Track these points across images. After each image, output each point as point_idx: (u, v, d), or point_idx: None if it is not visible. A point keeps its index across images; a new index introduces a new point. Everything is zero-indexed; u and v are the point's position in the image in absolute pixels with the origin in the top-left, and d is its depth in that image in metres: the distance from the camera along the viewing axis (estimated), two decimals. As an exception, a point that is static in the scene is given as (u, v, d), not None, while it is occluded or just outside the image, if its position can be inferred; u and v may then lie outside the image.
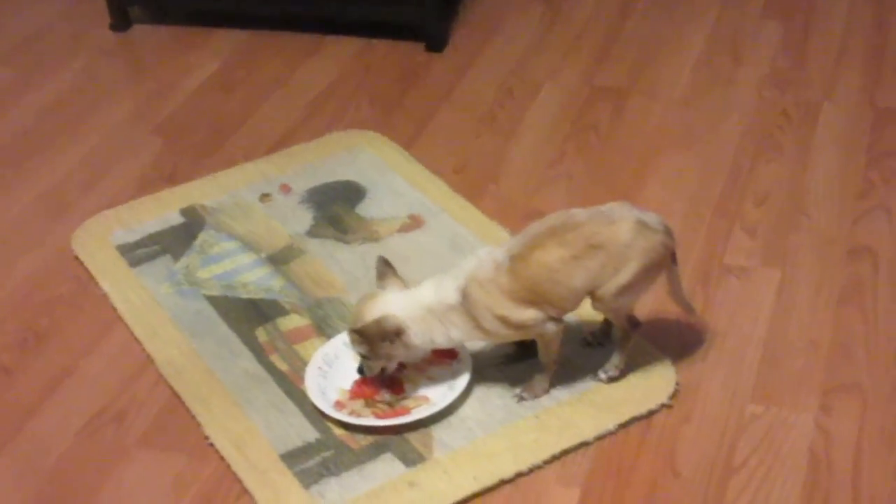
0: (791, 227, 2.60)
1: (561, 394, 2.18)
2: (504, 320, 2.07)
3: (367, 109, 3.14)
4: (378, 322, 2.08)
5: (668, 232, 2.12)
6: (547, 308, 2.08)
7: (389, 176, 2.83)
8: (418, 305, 2.10)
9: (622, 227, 2.07)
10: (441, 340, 2.12)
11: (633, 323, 2.19)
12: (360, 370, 2.18)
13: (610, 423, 2.12)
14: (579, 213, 2.10)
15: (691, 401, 2.17)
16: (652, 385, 2.19)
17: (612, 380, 2.19)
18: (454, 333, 2.11)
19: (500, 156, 2.91)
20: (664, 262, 2.12)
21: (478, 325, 2.09)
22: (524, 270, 2.06)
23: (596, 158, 2.87)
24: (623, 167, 2.83)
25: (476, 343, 2.19)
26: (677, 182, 2.76)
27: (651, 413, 2.15)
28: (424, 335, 2.10)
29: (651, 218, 2.11)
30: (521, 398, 2.17)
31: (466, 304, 2.07)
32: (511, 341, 2.21)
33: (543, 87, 3.18)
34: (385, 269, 2.17)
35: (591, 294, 2.10)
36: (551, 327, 2.10)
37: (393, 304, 2.10)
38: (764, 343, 2.29)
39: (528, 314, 2.07)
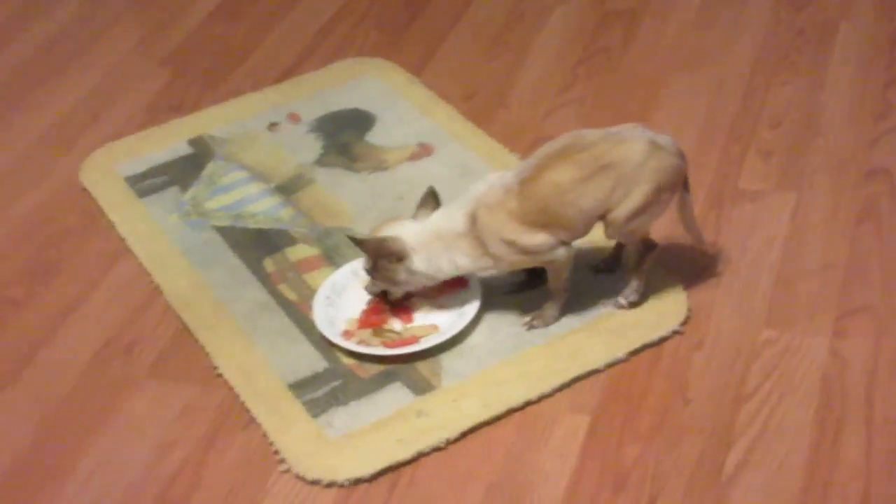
0: (807, 149, 2.55)
1: (571, 321, 2.16)
2: (512, 245, 2.05)
3: (376, 36, 3.10)
4: (381, 240, 2.08)
5: (681, 154, 2.09)
6: (557, 232, 2.05)
7: (399, 103, 2.80)
8: (426, 232, 2.09)
9: (634, 147, 2.03)
10: (448, 269, 2.10)
11: (649, 245, 2.15)
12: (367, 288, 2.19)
13: (621, 351, 2.10)
14: (590, 134, 2.07)
15: (703, 327, 2.15)
16: (663, 311, 2.17)
17: (632, 305, 2.17)
18: (462, 261, 2.09)
19: (510, 81, 2.87)
20: (676, 184, 2.09)
21: (486, 252, 2.07)
22: (534, 192, 2.03)
23: (608, 83, 2.83)
24: (635, 91, 2.79)
25: (486, 271, 2.16)
26: (690, 105, 2.71)
27: (662, 340, 2.12)
28: (430, 262, 2.09)
29: (664, 139, 2.07)
30: (532, 326, 2.15)
31: (475, 229, 2.05)
32: (521, 269, 2.19)
33: (554, 11, 3.13)
34: (427, 199, 2.16)
35: (604, 218, 2.08)
36: (561, 253, 2.08)
37: (404, 230, 2.10)
38: (778, 267, 2.26)
39: (538, 238, 2.05)
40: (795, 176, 2.48)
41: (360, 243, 2.10)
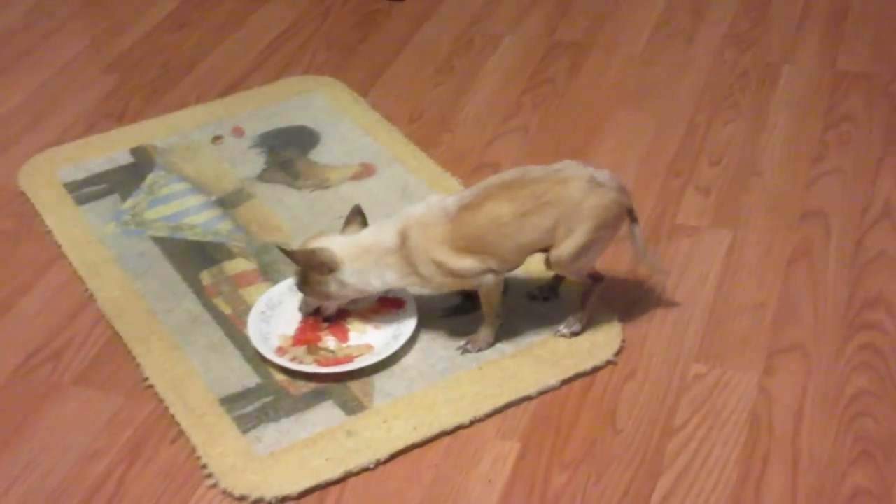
0: (745, 188, 2.58)
1: (505, 346, 2.16)
2: (441, 266, 2.06)
3: (325, 54, 3.10)
4: (311, 251, 2.09)
5: (621, 189, 2.10)
6: (488, 260, 2.06)
7: (344, 122, 2.80)
8: (356, 245, 2.09)
9: (574, 185, 2.05)
10: (377, 283, 2.11)
11: (595, 278, 2.17)
12: (300, 307, 2.19)
13: (553, 378, 2.10)
14: (534, 170, 2.08)
15: (636, 358, 2.16)
16: (597, 341, 2.18)
17: (574, 335, 2.17)
18: (389, 276, 2.10)
19: (456, 106, 2.88)
20: (618, 219, 2.11)
21: (414, 271, 2.08)
22: (472, 220, 2.04)
23: (552, 113, 2.85)
24: (579, 122, 2.81)
25: (421, 291, 2.17)
26: (633, 139, 2.74)
27: (595, 369, 2.13)
28: (360, 276, 2.09)
29: (603, 175, 2.09)
30: (465, 350, 2.16)
31: (404, 247, 2.06)
32: (452, 291, 2.20)
33: (503, 39, 3.15)
34: (354, 216, 2.17)
35: (547, 256, 2.09)
36: (490, 279, 2.09)
37: (333, 242, 2.11)
38: (712, 303, 2.28)
39: (467, 263, 2.06)
40: (732, 214, 2.50)
41: (290, 254, 2.10)
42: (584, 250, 2.07)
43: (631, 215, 2.13)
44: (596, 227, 2.06)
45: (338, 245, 2.10)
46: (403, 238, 2.06)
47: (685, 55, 3.07)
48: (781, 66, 3.01)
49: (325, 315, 2.19)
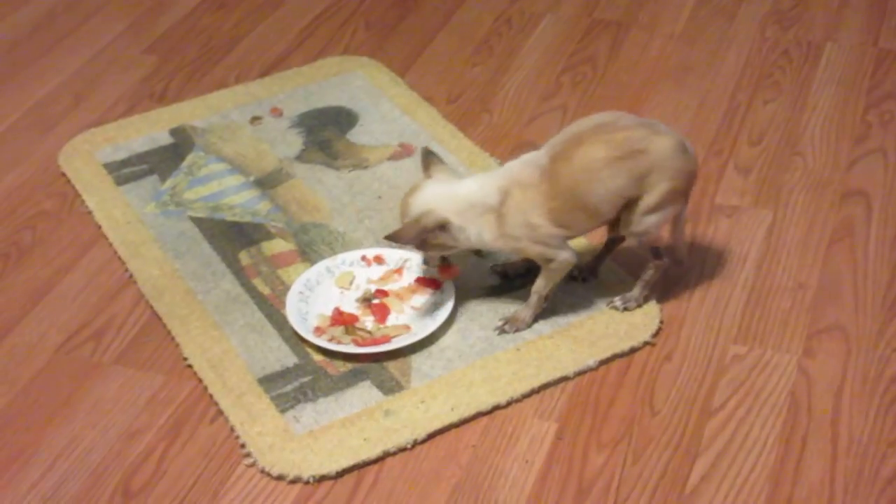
0: (785, 167, 2.56)
1: (542, 327, 2.16)
2: (534, 230, 2.04)
3: (363, 34, 3.10)
4: (417, 223, 2.04)
5: (697, 165, 2.13)
6: (579, 222, 2.06)
7: (382, 103, 2.80)
8: (460, 199, 2.06)
9: (667, 141, 2.05)
10: (474, 240, 2.08)
11: (657, 254, 2.16)
12: (425, 261, 2.22)
13: (590, 359, 2.10)
14: (626, 118, 2.08)
15: (674, 339, 2.15)
16: (635, 322, 2.17)
17: (626, 310, 2.17)
18: (486, 235, 2.07)
19: (494, 86, 2.88)
20: (687, 192, 2.12)
21: (504, 232, 2.06)
22: (566, 169, 2.03)
23: (591, 92, 2.84)
24: (618, 102, 2.79)
25: (497, 252, 2.18)
26: (673, 118, 2.72)
27: (633, 350, 2.13)
28: (461, 231, 2.06)
29: (689, 146, 2.10)
30: (502, 330, 2.16)
31: (503, 206, 2.05)
32: (519, 258, 2.20)
33: (542, 18, 3.13)
34: (428, 158, 2.15)
35: (623, 210, 2.07)
36: (568, 255, 2.08)
37: (435, 197, 2.07)
38: (751, 283, 2.27)
39: (555, 231, 2.05)
40: (773, 193, 2.49)
41: (398, 236, 2.05)
42: (656, 208, 2.06)
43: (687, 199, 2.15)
44: (672, 190, 2.06)
45: (441, 201, 2.06)
46: (504, 197, 2.05)
47: (726, 33, 3.04)
48: (823, 44, 2.98)
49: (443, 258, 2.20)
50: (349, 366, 2.11)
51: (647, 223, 2.08)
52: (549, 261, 2.09)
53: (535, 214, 2.04)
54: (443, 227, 2.05)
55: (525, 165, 2.08)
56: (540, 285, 2.13)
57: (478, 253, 2.29)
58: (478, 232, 2.07)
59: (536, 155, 2.08)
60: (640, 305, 2.18)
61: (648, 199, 2.05)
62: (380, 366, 2.10)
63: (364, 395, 2.05)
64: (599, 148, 2.02)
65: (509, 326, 2.16)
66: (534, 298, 2.15)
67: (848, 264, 2.30)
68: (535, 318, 2.17)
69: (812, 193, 2.49)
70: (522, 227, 2.05)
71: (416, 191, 2.10)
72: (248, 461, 1.95)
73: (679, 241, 2.20)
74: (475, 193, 2.06)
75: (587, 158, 2.02)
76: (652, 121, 2.11)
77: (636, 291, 2.17)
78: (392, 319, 2.18)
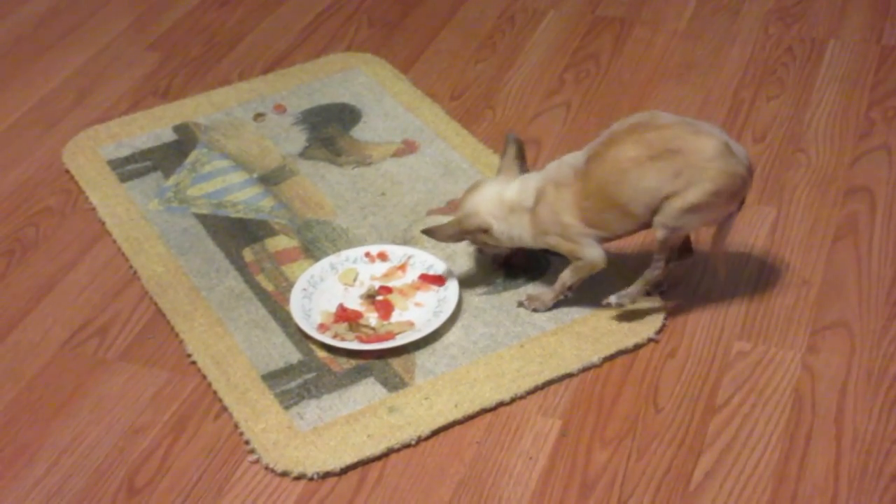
0: (789, 164, 2.56)
1: (546, 324, 2.16)
2: (566, 229, 2.06)
3: (366, 31, 3.10)
4: (459, 223, 2.14)
5: (749, 169, 2.06)
6: (611, 224, 2.06)
7: (385, 99, 2.80)
8: (503, 204, 2.12)
9: (707, 141, 2.01)
10: (515, 241, 2.14)
11: (668, 257, 2.12)
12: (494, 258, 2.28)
13: (594, 356, 2.10)
14: (664, 116, 2.06)
15: (678, 336, 2.15)
16: (639, 319, 2.17)
17: (617, 307, 2.16)
18: (524, 235, 2.12)
19: (498, 83, 2.88)
20: (734, 198, 2.05)
21: (538, 231, 2.10)
22: (598, 168, 2.03)
23: (595, 89, 2.84)
24: (622, 98, 2.80)
25: (530, 246, 2.17)
26: (676, 114, 2.71)
27: (637, 347, 2.13)
28: (504, 234, 2.13)
29: (738, 149, 2.05)
30: (521, 304, 2.19)
31: (538, 205, 2.08)
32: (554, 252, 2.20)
33: (546, 15, 3.13)
34: (509, 147, 2.18)
35: (658, 206, 2.04)
36: (599, 256, 2.09)
37: (484, 200, 2.13)
38: (755, 280, 2.27)
39: (587, 232, 2.07)
40: (776, 190, 2.49)
41: (438, 232, 2.15)
42: (693, 209, 2.02)
43: (741, 204, 2.09)
44: (712, 192, 2.01)
45: (489, 205, 2.12)
46: (539, 197, 2.08)
47: (729, 30, 3.04)
48: (827, 40, 2.98)
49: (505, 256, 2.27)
50: (353, 362, 2.11)
51: (684, 221, 2.05)
52: (578, 259, 2.11)
53: (567, 214, 2.06)
54: (485, 230, 2.12)
55: (562, 165, 2.10)
56: (567, 275, 2.14)
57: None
58: (518, 233, 2.12)
59: (575, 155, 2.10)
60: (633, 302, 2.15)
61: (687, 197, 2.01)
62: (384, 362, 2.10)
63: (368, 391, 2.05)
64: (630, 147, 2.01)
65: (528, 303, 2.18)
66: (558, 284, 2.15)
67: (852, 261, 2.30)
68: (556, 305, 2.18)
69: (816, 190, 2.49)
70: (554, 226, 2.08)
71: (475, 189, 2.17)
72: (252, 458, 1.96)
73: (717, 250, 2.16)
74: (516, 196, 2.11)
75: (618, 158, 2.02)
76: (695, 121, 2.07)
77: (633, 288, 2.16)
78: (396, 316, 2.18)
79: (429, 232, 2.16)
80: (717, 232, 2.13)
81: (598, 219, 2.06)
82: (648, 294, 2.18)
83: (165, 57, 3.04)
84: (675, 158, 2.00)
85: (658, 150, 2.00)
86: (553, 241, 2.11)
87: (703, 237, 2.30)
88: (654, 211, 2.05)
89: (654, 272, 2.14)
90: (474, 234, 2.14)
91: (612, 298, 2.15)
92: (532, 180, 2.11)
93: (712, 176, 2.00)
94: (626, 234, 2.12)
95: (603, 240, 2.10)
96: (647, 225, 2.08)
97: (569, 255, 2.12)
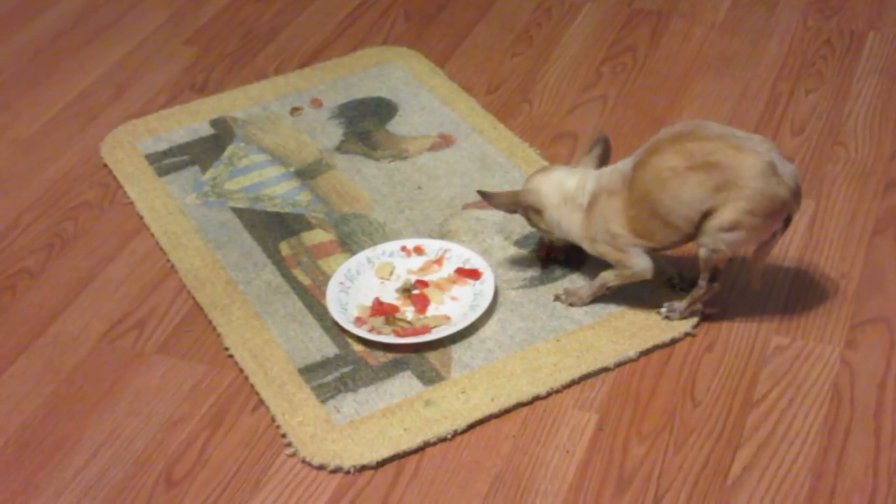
0: (828, 157, 2.55)
1: (583, 318, 2.16)
2: (614, 238, 2.07)
3: (402, 25, 3.10)
4: (516, 195, 2.17)
5: (795, 192, 1.99)
6: (656, 234, 2.04)
7: (422, 93, 2.80)
8: (565, 193, 2.13)
9: (749, 159, 1.95)
10: (565, 233, 2.15)
11: (713, 277, 2.09)
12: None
13: (631, 350, 2.10)
14: (710, 127, 2.01)
15: (715, 330, 2.14)
16: (676, 313, 2.17)
17: (667, 319, 2.14)
18: (574, 232, 2.13)
19: (534, 76, 2.87)
20: (773, 218, 2.00)
21: (589, 235, 2.10)
22: (641, 177, 2.03)
23: (631, 82, 2.83)
24: (659, 92, 2.78)
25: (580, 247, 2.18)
26: (714, 108, 2.71)
27: (674, 341, 2.12)
28: (554, 222, 2.14)
29: (786, 168, 1.99)
30: (558, 298, 2.18)
31: (591, 210, 2.08)
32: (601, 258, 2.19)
33: (582, 8, 3.12)
34: (596, 146, 2.19)
35: (699, 221, 2.01)
36: (645, 267, 2.08)
37: (548, 183, 2.14)
38: (793, 274, 2.25)
39: (634, 242, 2.06)
40: (815, 183, 2.47)
41: (494, 197, 2.18)
42: (729, 228, 1.99)
43: (787, 223, 2.04)
44: (747, 212, 1.97)
45: (551, 187, 2.13)
46: (594, 201, 2.08)
47: (767, 22, 3.02)
48: (866, 33, 2.95)
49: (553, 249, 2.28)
50: (389, 356, 2.11)
51: (720, 240, 2.01)
52: (625, 268, 2.10)
53: (616, 223, 2.06)
54: (538, 211, 2.13)
55: (613, 172, 2.09)
56: (609, 276, 2.13)
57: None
58: (567, 227, 2.13)
59: (625, 162, 2.09)
60: (683, 318, 2.14)
61: (724, 215, 1.98)
62: (420, 356, 2.10)
63: (404, 385, 2.05)
64: (670, 157, 1.99)
65: (565, 297, 2.18)
66: (598, 282, 2.15)
67: (891, 255, 2.28)
68: (593, 301, 2.17)
69: (855, 183, 2.47)
70: (604, 234, 2.08)
71: (546, 170, 2.19)
72: (289, 451, 1.96)
73: (756, 264, 2.12)
74: (573, 190, 2.11)
75: (658, 166, 2.00)
76: (744, 134, 2.00)
77: (683, 304, 2.14)
78: (432, 310, 2.19)
79: (485, 195, 2.17)
80: (759, 247, 2.09)
81: (644, 229, 2.05)
82: (693, 314, 2.16)
83: (202, 51, 3.05)
84: (713, 172, 1.96)
85: (697, 162, 1.97)
86: (602, 249, 2.10)
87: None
88: (696, 225, 2.03)
89: (698, 291, 2.12)
90: (527, 210, 2.16)
91: (664, 310, 2.15)
92: (591, 181, 2.10)
93: (748, 195, 1.96)
94: (673, 245, 2.09)
95: (651, 250, 2.09)
96: (692, 237, 2.06)
97: (616, 265, 2.11)
